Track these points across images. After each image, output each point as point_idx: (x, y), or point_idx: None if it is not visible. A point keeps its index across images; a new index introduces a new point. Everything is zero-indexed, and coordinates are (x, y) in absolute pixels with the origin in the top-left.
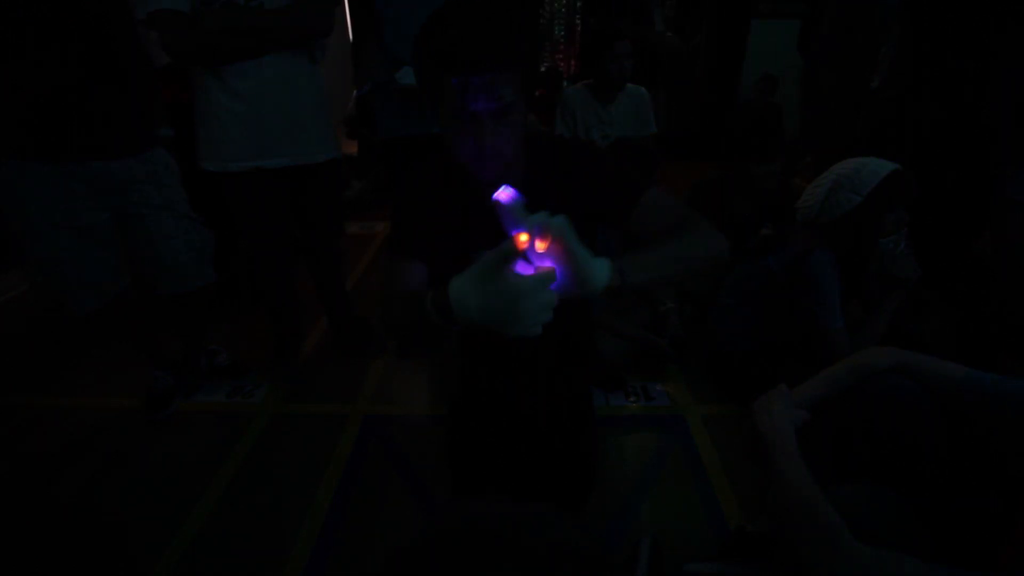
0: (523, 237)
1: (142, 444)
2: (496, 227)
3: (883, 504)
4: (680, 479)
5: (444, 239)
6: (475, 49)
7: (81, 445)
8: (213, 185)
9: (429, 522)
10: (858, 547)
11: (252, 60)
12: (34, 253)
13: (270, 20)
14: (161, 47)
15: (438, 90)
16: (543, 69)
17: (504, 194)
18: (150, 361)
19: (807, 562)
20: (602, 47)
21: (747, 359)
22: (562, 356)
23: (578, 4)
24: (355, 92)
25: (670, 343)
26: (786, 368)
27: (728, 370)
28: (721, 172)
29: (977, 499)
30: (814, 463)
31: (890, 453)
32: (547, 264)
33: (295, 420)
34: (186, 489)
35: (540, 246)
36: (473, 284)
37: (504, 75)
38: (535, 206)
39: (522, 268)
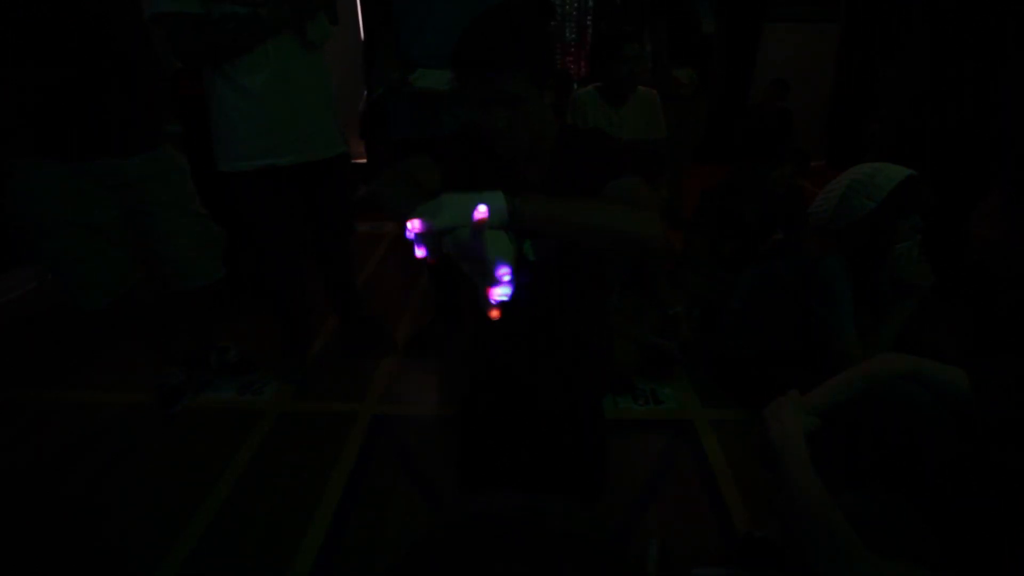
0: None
1: (151, 440)
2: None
3: (894, 512)
4: (688, 483)
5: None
6: (473, 51)
7: (90, 440)
8: (222, 181)
9: (444, 513)
10: (868, 555)
11: (259, 58)
12: (45, 250)
13: (270, 16)
14: (171, 49)
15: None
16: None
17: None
18: (161, 357)
19: (816, 570)
20: (611, 50)
21: (757, 364)
22: (574, 355)
23: (589, 5)
24: (364, 93)
25: (679, 347)
26: (796, 374)
27: (737, 375)
28: (731, 177)
29: (987, 507)
30: (825, 470)
31: (901, 460)
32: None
33: (304, 418)
34: (194, 485)
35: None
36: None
37: (503, 72)
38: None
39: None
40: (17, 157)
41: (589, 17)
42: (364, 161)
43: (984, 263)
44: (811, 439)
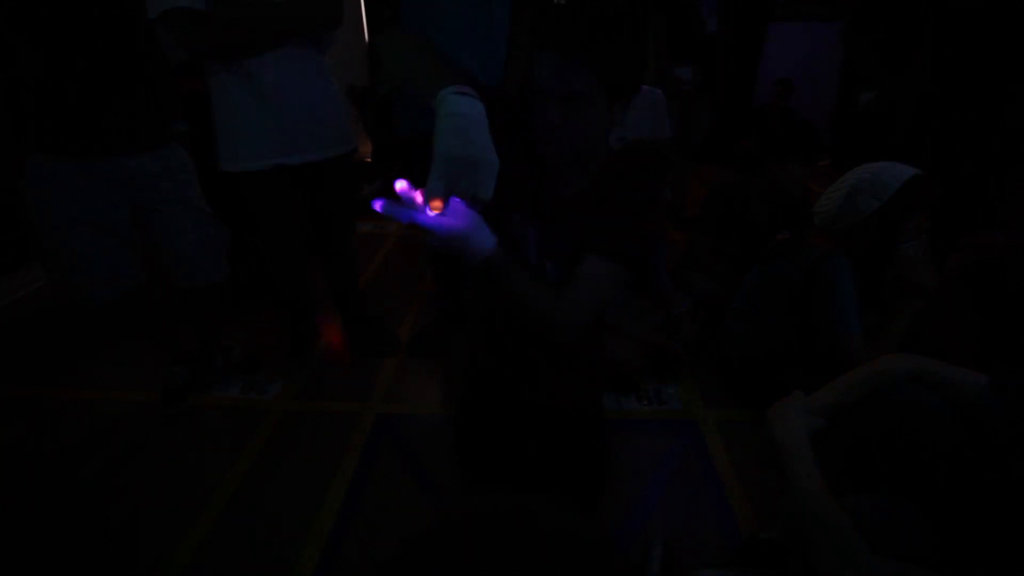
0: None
1: (156, 438)
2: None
3: (899, 515)
4: (692, 484)
5: None
6: (559, 29)
7: (96, 439)
8: (227, 181)
9: (445, 509)
10: (872, 558)
11: (269, 57)
12: (52, 246)
13: (279, 11)
14: (180, 45)
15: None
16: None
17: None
18: (166, 356)
19: (820, 571)
20: None
21: (761, 364)
22: (571, 354)
23: None
24: (347, 87)
25: (683, 347)
26: (801, 374)
27: (742, 375)
28: (743, 176)
29: (992, 509)
30: (829, 471)
31: (907, 463)
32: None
33: (307, 417)
34: (199, 484)
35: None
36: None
37: (579, 64)
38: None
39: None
40: (27, 155)
41: None
42: (368, 160)
43: (996, 265)
44: (815, 440)
